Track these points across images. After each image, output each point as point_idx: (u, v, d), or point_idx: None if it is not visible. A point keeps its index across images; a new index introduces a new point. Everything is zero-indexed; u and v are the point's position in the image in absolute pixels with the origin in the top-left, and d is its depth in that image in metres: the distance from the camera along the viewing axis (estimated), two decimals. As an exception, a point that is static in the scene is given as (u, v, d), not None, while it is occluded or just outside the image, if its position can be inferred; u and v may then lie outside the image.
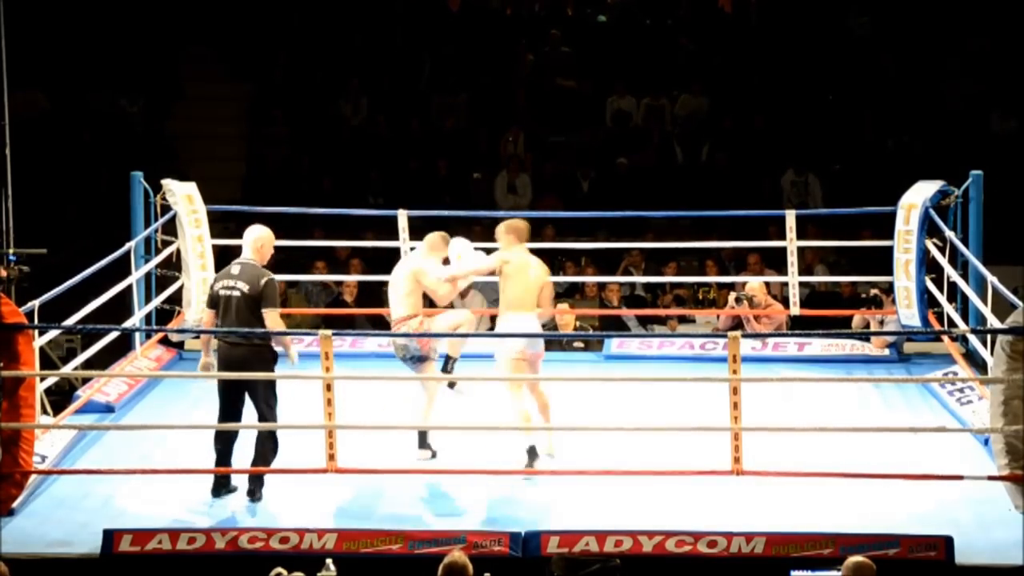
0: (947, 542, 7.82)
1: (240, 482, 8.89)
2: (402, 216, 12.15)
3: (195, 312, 11.58)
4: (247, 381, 8.78)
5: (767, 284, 12.62)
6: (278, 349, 8.89)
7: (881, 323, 12.00)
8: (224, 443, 8.86)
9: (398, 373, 9.79)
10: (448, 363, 9.80)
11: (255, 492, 8.77)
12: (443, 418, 9.66)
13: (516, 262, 9.34)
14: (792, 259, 12.16)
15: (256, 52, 17.19)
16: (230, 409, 8.86)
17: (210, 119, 16.83)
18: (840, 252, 14.48)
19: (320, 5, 17.32)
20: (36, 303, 9.41)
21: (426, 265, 9.54)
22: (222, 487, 8.84)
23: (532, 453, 9.07)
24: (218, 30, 17.38)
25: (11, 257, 10.64)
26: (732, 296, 12.30)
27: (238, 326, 8.76)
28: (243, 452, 8.92)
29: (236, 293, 8.81)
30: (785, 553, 7.81)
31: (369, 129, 16.72)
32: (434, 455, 9.44)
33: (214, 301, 8.91)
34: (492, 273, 9.51)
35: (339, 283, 13.51)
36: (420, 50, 17.13)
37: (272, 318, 8.80)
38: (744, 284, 12.48)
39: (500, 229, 9.53)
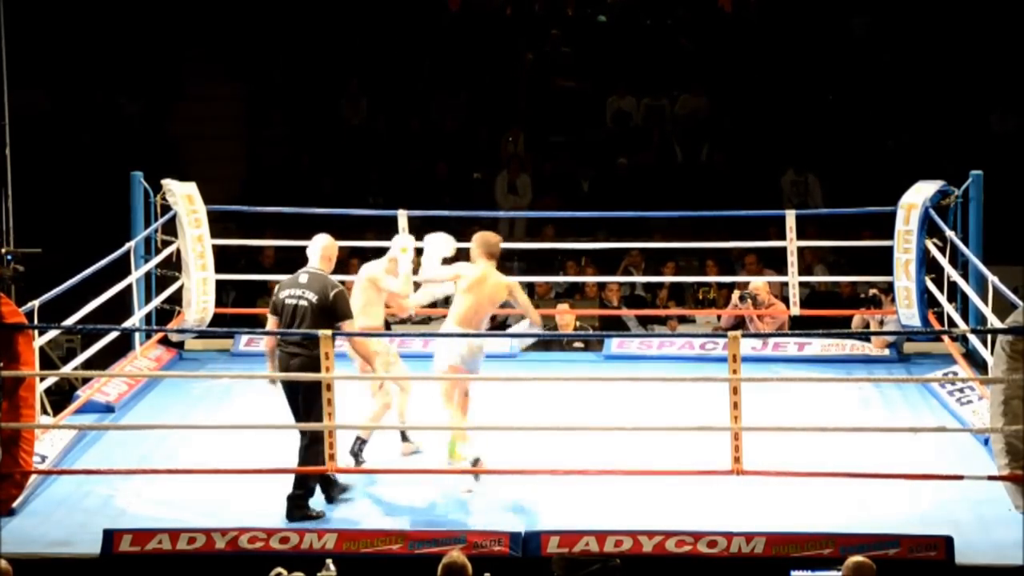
0: (947, 542, 7.82)
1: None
2: (402, 216, 12.15)
3: (195, 312, 11.59)
4: (301, 390, 8.66)
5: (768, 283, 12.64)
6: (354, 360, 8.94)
7: (881, 323, 12.00)
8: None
9: (398, 372, 9.78)
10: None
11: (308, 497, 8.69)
12: (441, 418, 9.67)
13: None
14: (792, 259, 12.16)
15: (256, 52, 17.19)
16: (295, 418, 8.76)
17: (210, 119, 16.82)
18: (840, 252, 14.48)
19: (320, 5, 17.33)
20: (36, 303, 9.41)
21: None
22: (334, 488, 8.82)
23: (477, 464, 8.94)
24: (218, 31, 17.38)
25: (7, 257, 10.64)
26: (736, 295, 12.30)
27: (304, 336, 8.62)
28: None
29: (303, 303, 8.67)
30: (785, 553, 7.81)
31: (369, 129, 16.72)
32: (417, 450, 9.47)
33: (276, 308, 8.77)
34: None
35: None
36: (420, 50, 17.13)
37: (351, 328, 8.71)
38: (747, 283, 12.48)
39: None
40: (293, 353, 8.65)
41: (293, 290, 8.73)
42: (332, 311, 8.62)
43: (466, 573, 6.74)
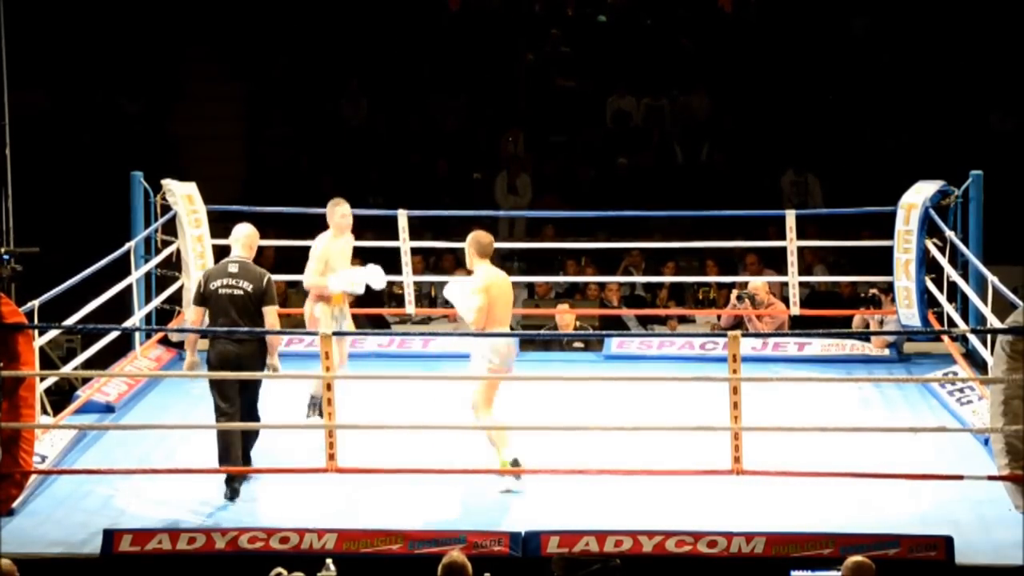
0: (947, 542, 7.82)
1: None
2: (402, 216, 12.15)
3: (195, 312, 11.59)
4: (242, 381, 8.84)
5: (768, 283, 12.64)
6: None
7: (881, 323, 12.00)
8: (232, 442, 8.85)
9: (398, 373, 9.80)
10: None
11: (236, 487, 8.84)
12: (442, 418, 9.68)
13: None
14: (792, 259, 12.15)
15: (256, 52, 17.20)
16: (232, 406, 8.86)
17: (210, 119, 16.83)
18: (840, 252, 14.48)
19: (320, 5, 17.33)
20: (36, 303, 9.41)
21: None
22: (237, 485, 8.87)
23: (516, 464, 8.94)
24: (218, 30, 17.39)
25: (4, 256, 10.64)
26: (734, 294, 12.30)
27: (242, 324, 8.83)
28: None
29: (239, 292, 8.88)
30: (785, 553, 7.80)
31: (369, 129, 16.73)
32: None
33: (206, 299, 8.95)
34: None
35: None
36: (420, 50, 17.14)
37: (274, 315, 8.93)
38: (746, 283, 12.48)
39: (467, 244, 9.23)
40: (241, 339, 8.84)
41: (225, 280, 8.94)
42: (263, 297, 8.91)
43: (466, 573, 6.74)
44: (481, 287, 8.97)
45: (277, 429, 9.56)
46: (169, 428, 9.94)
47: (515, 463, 8.91)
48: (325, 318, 9.89)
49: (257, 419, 8.96)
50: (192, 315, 9.14)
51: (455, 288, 9.18)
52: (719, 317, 12.77)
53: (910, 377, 11.34)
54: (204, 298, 8.96)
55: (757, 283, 12.41)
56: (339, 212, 10.02)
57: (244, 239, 9.10)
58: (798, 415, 9.98)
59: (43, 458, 9.14)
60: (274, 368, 8.91)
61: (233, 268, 8.97)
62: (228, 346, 8.85)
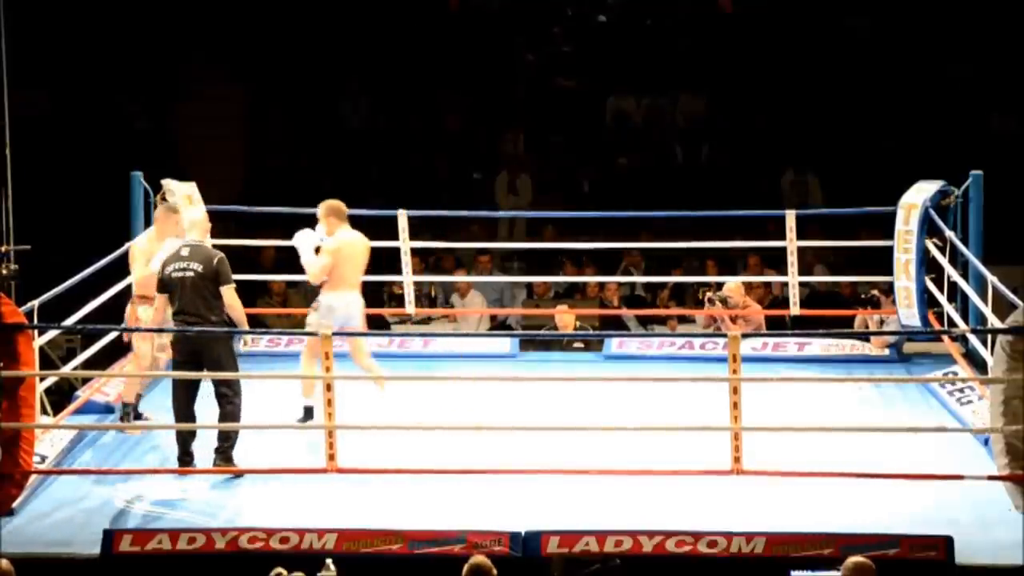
0: (947, 542, 7.82)
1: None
2: (402, 216, 12.15)
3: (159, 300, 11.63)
4: (207, 360, 9.12)
5: (748, 284, 12.64)
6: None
7: (881, 323, 12.01)
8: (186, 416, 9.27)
9: (398, 373, 9.81)
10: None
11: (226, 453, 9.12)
12: (442, 418, 9.68)
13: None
14: (792, 259, 12.16)
15: (256, 52, 17.19)
16: (187, 386, 9.22)
17: (210, 119, 16.82)
18: (840, 252, 14.48)
19: (320, 5, 17.33)
20: (36, 303, 9.42)
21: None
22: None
23: (308, 413, 9.72)
24: (218, 31, 17.37)
25: (1, 255, 10.62)
26: (706, 296, 12.28)
27: (192, 305, 9.15)
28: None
29: (190, 273, 9.20)
30: (785, 553, 7.80)
31: (369, 129, 16.73)
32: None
33: (165, 285, 9.28)
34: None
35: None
36: (420, 50, 17.13)
37: (230, 294, 9.22)
38: (721, 285, 12.46)
39: (321, 212, 9.97)
40: (192, 323, 9.15)
41: (178, 264, 9.29)
42: (216, 277, 9.21)
43: (491, 576, 6.73)
44: (333, 248, 9.80)
45: (277, 429, 9.58)
46: (169, 428, 9.93)
47: (308, 411, 9.73)
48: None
49: (238, 396, 9.21)
50: (157, 302, 9.42)
51: (305, 238, 9.94)
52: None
53: (910, 377, 11.34)
54: (164, 284, 9.30)
55: (731, 285, 12.39)
56: None
57: (193, 224, 9.50)
58: (798, 415, 9.98)
59: (43, 458, 9.14)
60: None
61: (184, 252, 9.31)
62: (180, 327, 9.19)
